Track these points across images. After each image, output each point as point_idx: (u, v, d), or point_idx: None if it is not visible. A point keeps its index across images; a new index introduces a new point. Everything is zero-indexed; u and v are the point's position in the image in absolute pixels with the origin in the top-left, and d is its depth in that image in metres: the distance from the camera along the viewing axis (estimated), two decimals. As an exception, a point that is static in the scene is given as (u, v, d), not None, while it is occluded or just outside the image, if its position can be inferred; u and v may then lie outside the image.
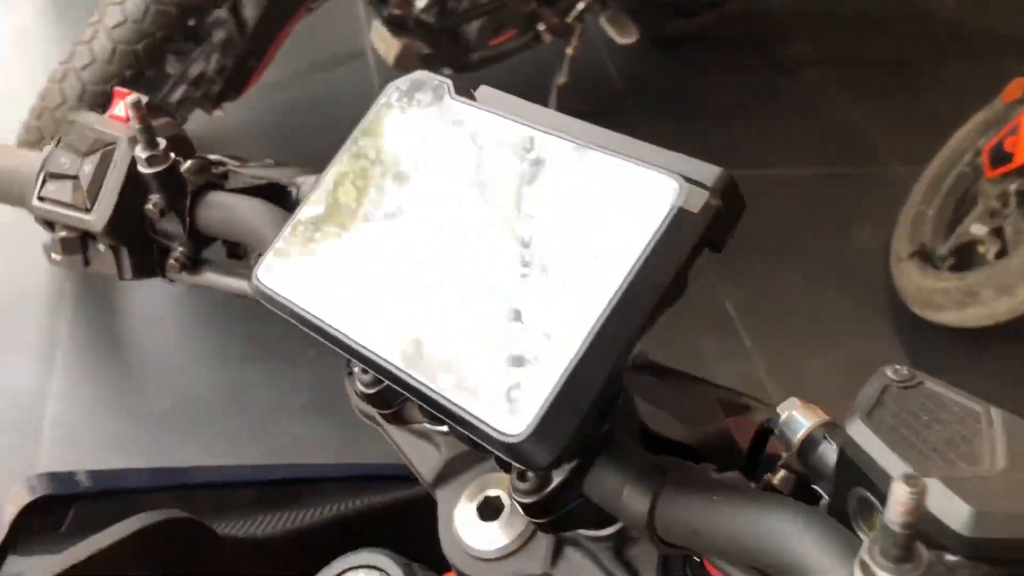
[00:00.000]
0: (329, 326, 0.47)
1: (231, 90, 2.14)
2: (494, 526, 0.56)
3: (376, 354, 0.45)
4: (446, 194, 0.47)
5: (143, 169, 0.60)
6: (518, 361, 0.41)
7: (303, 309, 0.48)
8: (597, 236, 0.42)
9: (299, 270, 0.49)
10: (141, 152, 0.60)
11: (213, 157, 0.65)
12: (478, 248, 0.44)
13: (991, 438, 0.37)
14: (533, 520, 0.48)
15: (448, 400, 0.42)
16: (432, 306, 0.44)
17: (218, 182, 0.64)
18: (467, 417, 0.41)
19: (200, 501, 0.73)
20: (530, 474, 0.47)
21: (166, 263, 0.64)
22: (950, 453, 0.36)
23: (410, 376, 0.43)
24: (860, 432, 0.38)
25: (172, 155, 0.61)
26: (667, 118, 2.84)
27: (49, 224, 0.64)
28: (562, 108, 2.48)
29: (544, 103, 2.59)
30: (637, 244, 0.41)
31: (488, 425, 0.40)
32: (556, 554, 0.54)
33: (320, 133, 1.87)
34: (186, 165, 0.62)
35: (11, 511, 0.67)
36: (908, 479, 0.30)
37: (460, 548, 0.57)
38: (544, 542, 0.55)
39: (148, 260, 0.65)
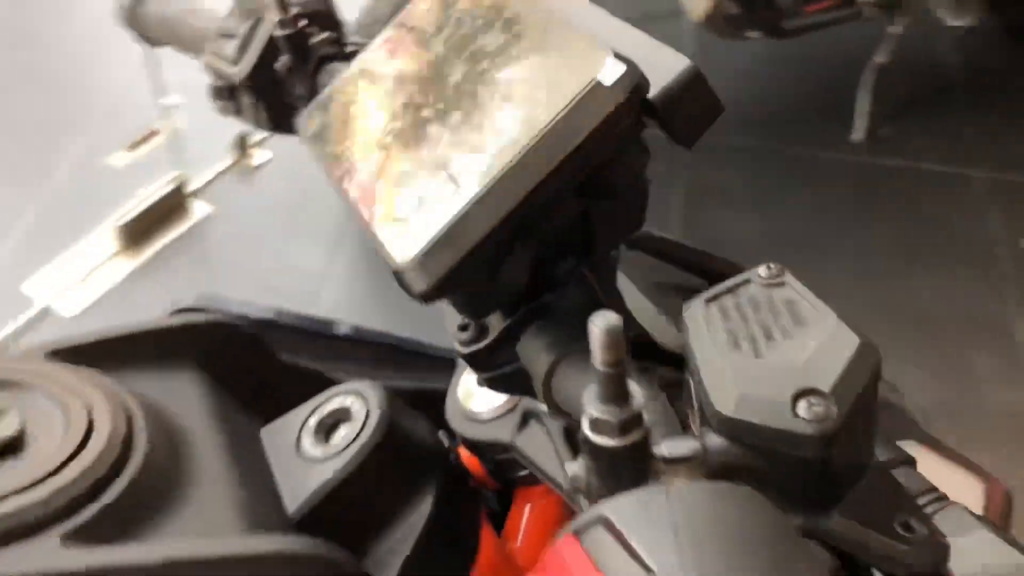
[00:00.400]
0: (331, 173, 0.53)
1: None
2: (485, 392, 0.61)
3: (346, 193, 0.50)
4: (438, 57, 0.51)
5: (274, 32, 0.69)
6: (429, 200, 0.45)
7: (318, 155, 0.55)
8: (528, 100, 0.44)
9: (325, 121, 0.56)
10: (274, 16, 0.69)
11: (352, 38, 0.73)
12: (436, 103, 0.48)
13: (811, 338, 0.35)
14: (477, 373, 0.52)
15: (373, 231, 0.47)
16: (390, 152, 0.49)
17: (345, 56, 0.72)
18: (379, 246, 0.46)
19: (327, 350, 0.82)
20: (470, 326, 0.51)
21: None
22: (763, 344, 0.35)
23: (358, 214, 0.49)
24: (689, 315, 0.38)
25: (301, 23, 0.69)
26: (993, 113, 2.56)
27: (216, 75, 0.76)
28: (879, 90, 2.31)
29: (856, 82, 2.42)
30: (553, 109, 0.43)
31: (387, 252, 0.45)
32: (522, 425, 0.57)
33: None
34: (319, 37, 0.71)
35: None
36: (600, 318, 0.31)
37: (456, 406, 0.62)
38: (517, 415, 0.58)
39: (283, 117, 0.74)
